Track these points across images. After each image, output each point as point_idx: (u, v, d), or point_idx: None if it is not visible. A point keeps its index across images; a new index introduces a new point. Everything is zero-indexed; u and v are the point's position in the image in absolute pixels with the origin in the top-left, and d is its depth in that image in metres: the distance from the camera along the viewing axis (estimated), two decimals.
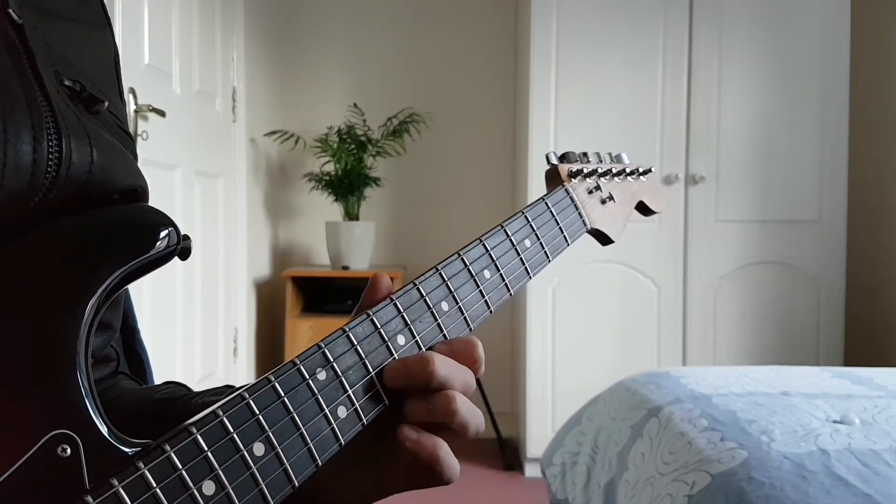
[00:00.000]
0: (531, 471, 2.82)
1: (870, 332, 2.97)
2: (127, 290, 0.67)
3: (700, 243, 2.78)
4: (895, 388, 1.59)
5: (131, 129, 1.79)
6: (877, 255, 2.97)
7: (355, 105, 3.17)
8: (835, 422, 1.32)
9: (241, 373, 2.71)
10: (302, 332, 2.84)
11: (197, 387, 2.03)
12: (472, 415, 0.47)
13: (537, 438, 2.75)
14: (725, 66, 2.77)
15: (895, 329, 2.86)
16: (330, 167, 3.07)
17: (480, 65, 3.36)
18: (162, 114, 1.89)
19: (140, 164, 1.83)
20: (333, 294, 3.02)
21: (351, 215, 3.06)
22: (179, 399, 0.53)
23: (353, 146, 3.04)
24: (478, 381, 3.13)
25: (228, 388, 0.50)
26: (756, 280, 2.81)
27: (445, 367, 0.47)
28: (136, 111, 1.80)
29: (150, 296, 1.89)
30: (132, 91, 1.79)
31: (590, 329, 2.80)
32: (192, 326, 2.23)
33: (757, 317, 2.81)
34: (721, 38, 2.76)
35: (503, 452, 3.00)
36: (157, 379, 0.69)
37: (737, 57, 2.77)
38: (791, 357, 2.77)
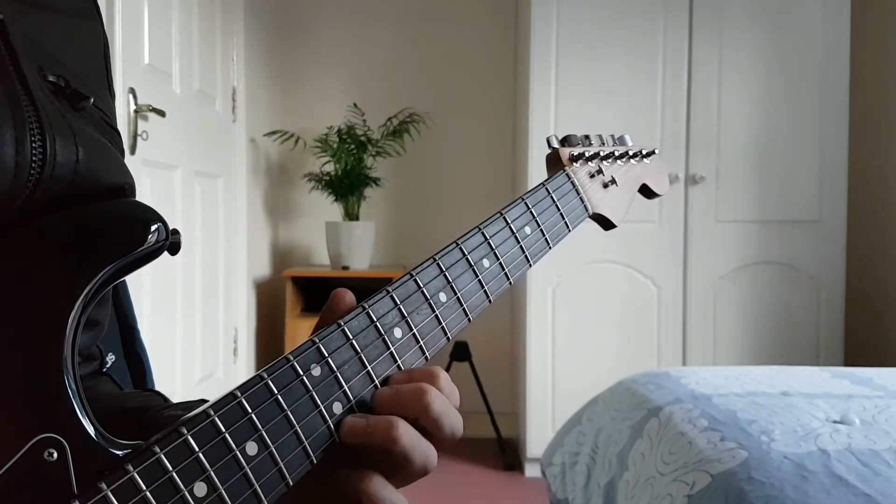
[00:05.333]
0: (531, 471, 2.81)
1: (870, 332, 2.96)
2: (126, 289, 0.66)
3: (700, 243, 2.78)
4: (895, 388, 1.59)
5: (131, 130, 1.79)
6: (877, 255, 2.96)
7: (355, 105, 3.16)
8: (835, 422, 1.32)
9: (241, 373, 2.71)
10: (302, 332, 2.84)
11: (196, 388, 2.02)
12: (416, 448, 0.44)
13: (537, 438, 2.75)
14: (725, 66, 2.76)
15: (895, 329, 2.86)
16: (330, 167, 3.07)
17: (480, 65, 3.35)
18: (162, 114, 1.89)
19: (140, 164, 1.81)
20: None
21: (351, 215, 3.05)
22: (149, 409, 0.51)
23: (353, 146, 3.03)
24: (478, 381, 3.10)
25: (202, 402, 0.49)
26: (756, 280, 2.80)
27: (439, 404, 0.45)
28: (136, 111, 1.80)
29: (150, 296, 1.88)
30: (132, 91, 1.79)
31: (590, 329, 2.79)
32: (192, 326, 2.23)
33: (757, 317, 2.81)
34: (721, 38, 2.76)
35: (503, 452, 3.00)
36: (157, 379, 0.68)
37: (737, 57, 2.76)
38: (791, 357, 2.76)
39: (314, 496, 0.45)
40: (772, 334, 2.81)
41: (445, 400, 0.46)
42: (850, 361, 2.82)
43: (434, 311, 0.51)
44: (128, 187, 0.47)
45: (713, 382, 1.62)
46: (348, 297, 0.48)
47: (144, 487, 0.36)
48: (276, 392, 0.42)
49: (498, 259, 0.56)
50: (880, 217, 2.95)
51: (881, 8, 2.97)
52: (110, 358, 0.57)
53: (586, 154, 0.67)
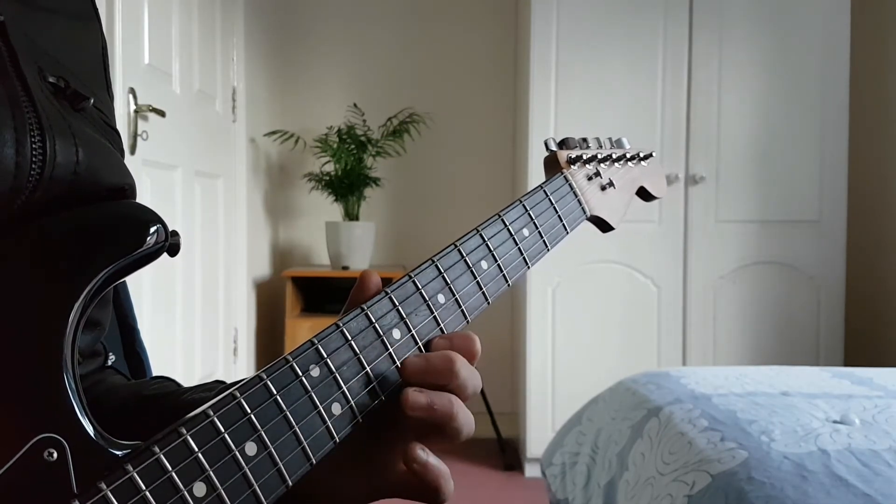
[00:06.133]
0: (531, 471, 2.81)
1: (870, 332, 2.96)
2: (126, 289, 0.66)
3: (700, 243, 2.78)
4: (895, 388, 1.59)
5: (131, 130, 1.79)
6: (877, 255, 2.96)
7: (355, 105, 3.16)
8: (835, 422, 1.32)
9: (241, 373, 2.71)
10: (302, 332, 2.84)
11: None
12: (466, 421, 0.47)
13: (537, 438, 2.75)
14: (725, 66, 2.76)
15: (895, 329, 2.86)
16: (330, 167, 3.07)
17: (480, 65, 3.36)
18: (162, 114, 1.89)
19: (140, 164, 1.81)
20: (333, 294, 3.02)
21: (351, 215, 3.05)
22: (169, 395, 0.52)
23: (353, 146, 3.03)
24: None
25: (219, 384, 0.50)
26: (756, 280, 2.80)
27: (466, 370, 0.47)
28: (136, 111, 1.80)
29: (150, 296, 1.88)
30: (132, 91, 1.79)
31: (590, 329, 2.79)
32: (192, 326, 2.23)
33: (757, 317, 2.81)
34: (721, 38, 2.76)
35: (503, 452, 3.00)
36: None
37: (737, 57, 2.77)
38: (791, 357, 2.76)
39: (362, 457, 0.48)
40: (772, 334, 2.81)
41: (470, 367, 0.48)
42: (850, 361, 2.82)
43: (433, 313, 0.51)
44: (128, 188, 0.47)
45: (713, 382, 1.62)
46: (375, 276, 0.50)
47: (144, 487, 0.36)
48: (275, 393, 0.42)
49: (496, 261, 0.56)
50: (880, 217, 2.95)
51: (881, 8, 2.97)
52: (111, 358, 0.57)
53: (584, 157, 0.68)
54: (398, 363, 0.48)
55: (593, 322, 2.79)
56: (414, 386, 0.46)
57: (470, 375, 0.47)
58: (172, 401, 0.50)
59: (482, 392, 3.02)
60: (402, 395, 0.45)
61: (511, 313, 3.29)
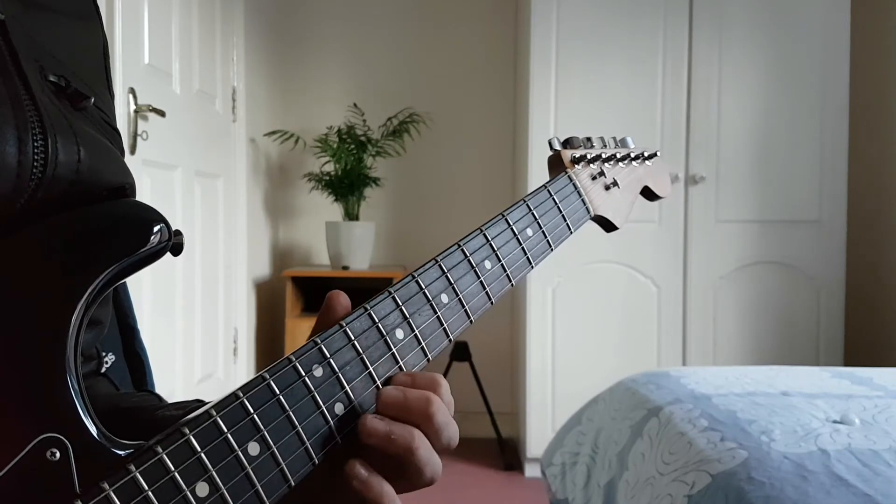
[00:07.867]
0: (531, 471, 2.81)
1: (870, 332, 2.96)
2: (126, 289, 0.66)
3: (700, 243, 2.78)
4: (895, 388, 1.59)
5: (131, 130, 1.79)
6: (877, 255, 2.96)
7: (355, 105, 3.16)
8: (835, 422, 1.32)
9: (241, 373, 2.71)
10: (302, 332, 2.84)
11: (196, 388, 2.02)
12: (430, 460, 0.44)
13: (537, 438, 2.75)
14: (725, 66, 2.76)
15: (895, 329, 2.86)
16: (330, 167, 3.07)
17: (480, 65, 3.35)
18: (162, 114, 1.89)
19: (140, 164, 1.81)
20: None
21: (351, 215, 3.05)
22: (144, 409, 0.51)
23: (352, 146, 3.03)
24: (478, 381, 3.09)
25: (197, 403, 0.49)
26: (756, 280, 2.80)
27: (443, 416, 0.45)
28: (136, 111, 1.80)
29: (150, 296, 1.88)
30: (132, 91, 1.79)
31: (590, 329, 2.79)
32: (192, 326, 2.23)
33: (757, 317, 2.81)
34: (721, 38, 2.76)
35: (503, 452, 3.00)
36: (157, 379, 0.68)
37: (737, 57, 2.77)
38: (791, 357, 2.76)
39: (314, 487, 0.46)
40: (772, 334, 2.81)
41: (447, 411, 0.46)
42: (850, 361, 2.82)
43: (436, 313, 0.51)
44: (128, 187, 0.47)
45: (713, 382, 1.62)
46: (343, 297, 0.48)
47: (146, 487, 0.36)
48: (278, 393, 0.42)
49: (500, 260, 0.56)
50: (880, 217, 2.95)
51: (881, 8, 2.97)
52: (110, 358, 0.57)
53: (588, 156, 0.67)
54: (401, 363, 0.48)
55: (593, 322, 2.79)
56: (387, 416, 0.45)
57: (447, 423, 0.45)
58: (147, 415, 0.49)
59: (482, 392, 3.03)
60: (361, 419, 0.44)
61: (511, 313, 3.29)
